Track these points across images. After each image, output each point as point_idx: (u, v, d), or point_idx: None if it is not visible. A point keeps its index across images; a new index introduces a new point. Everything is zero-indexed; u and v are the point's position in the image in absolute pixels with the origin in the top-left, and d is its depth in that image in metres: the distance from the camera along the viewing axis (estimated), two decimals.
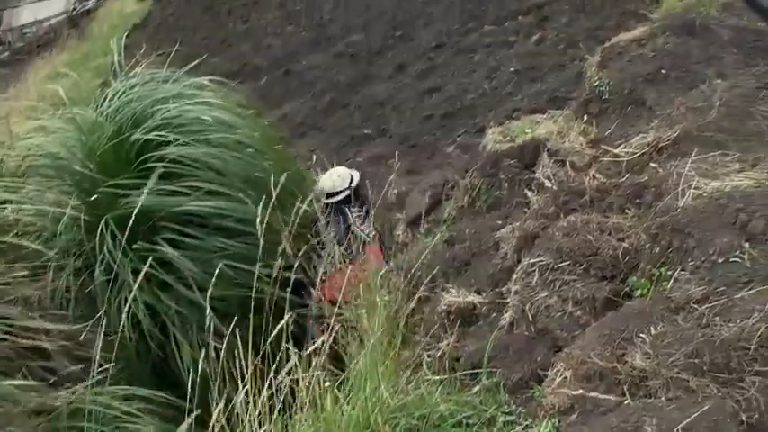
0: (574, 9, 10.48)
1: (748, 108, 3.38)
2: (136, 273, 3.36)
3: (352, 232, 4.40)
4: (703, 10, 4.50)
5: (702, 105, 3.45)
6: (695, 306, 2.25)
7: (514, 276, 2.91)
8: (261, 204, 2.77)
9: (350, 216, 4.48)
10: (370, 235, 4.47)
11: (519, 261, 3.01)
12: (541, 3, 11.20)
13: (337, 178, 4.61)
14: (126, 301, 3.19)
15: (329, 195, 4.54)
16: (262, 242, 2.71)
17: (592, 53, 4.70)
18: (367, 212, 4.60)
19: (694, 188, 2.77)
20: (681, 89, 3.77)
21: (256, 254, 2.80)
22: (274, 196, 2.83)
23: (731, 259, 2.34)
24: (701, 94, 3.56)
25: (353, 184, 4.62)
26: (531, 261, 2.83)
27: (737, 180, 2.77)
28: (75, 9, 20.56)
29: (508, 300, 2.90)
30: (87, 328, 3.37)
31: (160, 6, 20.58)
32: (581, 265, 2.74)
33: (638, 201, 3.03)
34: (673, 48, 4.03)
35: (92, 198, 3.85)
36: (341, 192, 4.54)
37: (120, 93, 4.36)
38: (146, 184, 3.83)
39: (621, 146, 3.58)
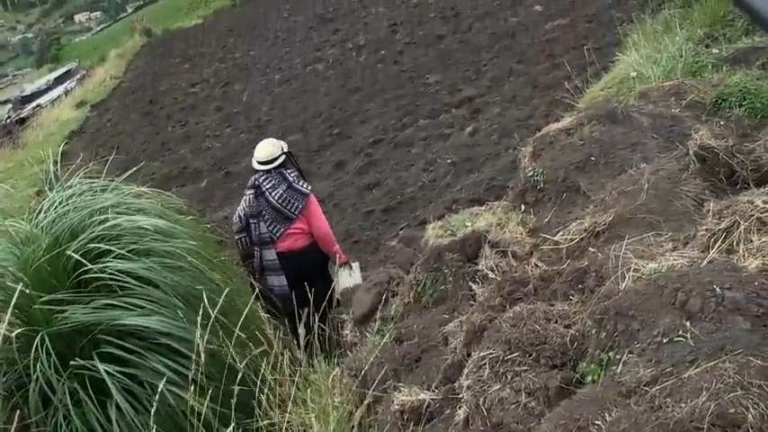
0: (504, 100, 10.93)
1: (674, 189, 3.54)
2: (73, 393, 3.19)
3: (293, 188, 5.18)
4: (623, 99, 4.77)
5: (632, 189, 3.60)
6: (646, 389, 2.25)
7: (465, 371, 2.87)
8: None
9: (288, 176, 5.22)
10: (309, 188, 5.29)
11: (469, 355, 2.98)
12: (473, 95, 11.66)
13: (272, 147, 5.30)
14: (62, 424, 3.02)
15: (269, 162, 5.22)
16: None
17: (524, 142, 4.89)
18: (299, 171, 5.45)
19: (633, 270, 2.83)
20: (611, 174, 3.93)
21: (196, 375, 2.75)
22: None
23: (675, 339, 2.36)
24: (630, 178, 3.72)
25: (286, 150, 5.37)
26: (481, 354, 2.80)
27: (672, 259, 2.85)
28: (9, 117, 20.42)
29: (461, 395, 2.84)
30: None
31: (98, 113, 20.62)
32: (531, 355, 2.73)
33: (580, 286, 3.07)
34: (599, 135, 4.23)
35: (26, 314, 3.69)
36: (278, 157, 5.25)
37: (56, 203, 4.25)
38: (83, 299, 3.69)
39: (560, 233, 3.67)
